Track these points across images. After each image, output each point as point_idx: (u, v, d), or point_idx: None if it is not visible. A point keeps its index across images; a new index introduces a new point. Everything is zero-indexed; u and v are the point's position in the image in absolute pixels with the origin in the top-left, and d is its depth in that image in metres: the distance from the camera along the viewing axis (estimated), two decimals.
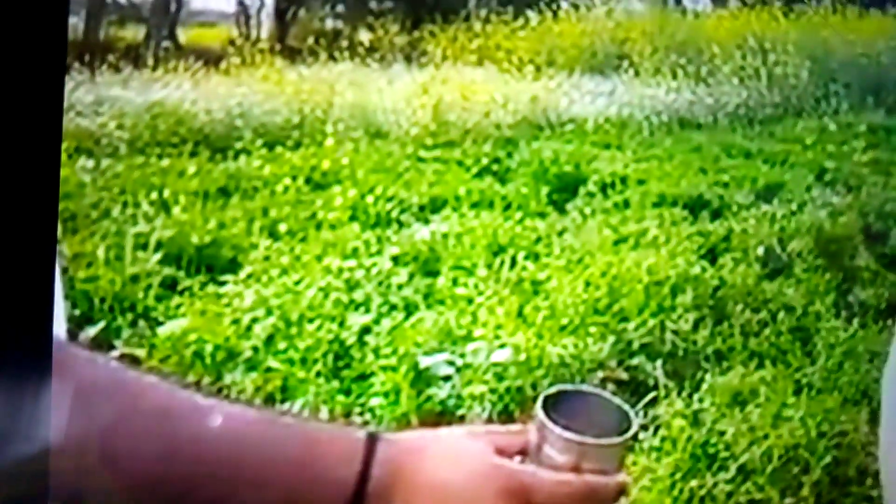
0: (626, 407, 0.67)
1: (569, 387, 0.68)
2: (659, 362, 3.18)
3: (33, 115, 0.38)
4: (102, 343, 3.22)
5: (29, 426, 0.42)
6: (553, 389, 0.67)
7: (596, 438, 0.64)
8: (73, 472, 0.54)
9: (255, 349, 3.15)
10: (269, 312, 3.38)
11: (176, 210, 4.68)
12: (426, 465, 0.63)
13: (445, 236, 4.45)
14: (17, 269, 0.39)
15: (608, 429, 0.65)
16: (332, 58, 9.50)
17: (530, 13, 11.37)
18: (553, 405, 0.65)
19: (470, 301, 3.63)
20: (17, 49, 0.37)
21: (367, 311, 3.51)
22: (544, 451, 0.64)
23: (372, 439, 0.64)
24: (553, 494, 0.63)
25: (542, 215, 5.12)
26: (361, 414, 2.88)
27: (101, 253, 3.89)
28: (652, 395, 2.96)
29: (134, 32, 12.73)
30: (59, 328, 0.62)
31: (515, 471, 0.64)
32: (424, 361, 3.03)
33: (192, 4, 14.11)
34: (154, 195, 4.85)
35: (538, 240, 4.55)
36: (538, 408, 0.65)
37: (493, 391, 2.90)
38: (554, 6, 11.58)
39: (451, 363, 3.04)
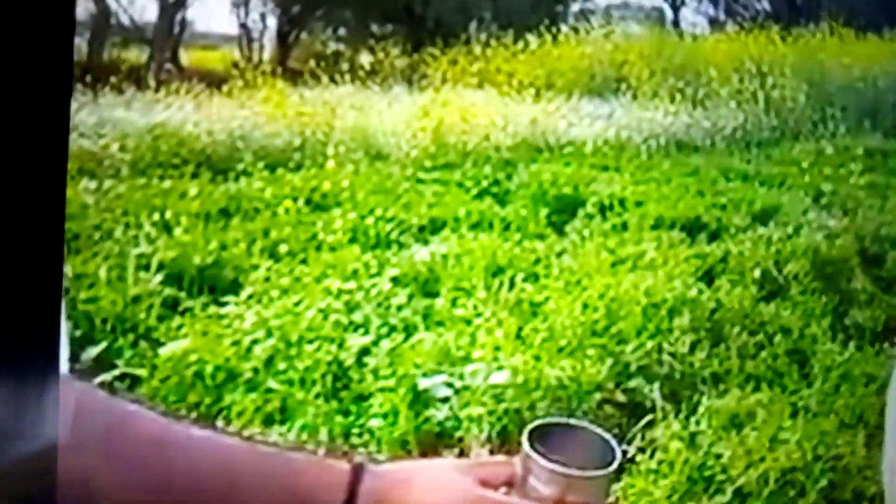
0: (611, 439, 0.68)
1: (555, 419, 0.69)
2: (656, 384, 3.19)
3: (39, 137, 0.39)
4: (104, 363, 3.23)
5: (36, 429, 0.43)
6: (539, 422, 0.68)
7: (581, 471, 0.65)
8: (68, 499, 0.56)
9: (255, 370, 3.16)
10: (269, 334, 3.39)
11: (177, 231, 4.70)
12: (411, 496, 0.64)
13: (445, 258, 4.48)
14: (25, 287, 0.40)
15: (593, 461, 0.66)
16: (333, 80, 9.56)
17: (530, 37, 11.48)
18: (539, 437, 0.66)
19: (468, 322, 3.65)
20: (23, 71, 0.38)
21: (367, 332, 3.53)
22: (529, 482, 0.65)
23: (357, 470, 0.65)
24: None
25: (541, 237, 5.15)
26: (360, 435, 2.90)
27: (102, 274, 3.91)
28: (649, 417, 2.97)
29: (137, 54, 12.83)
30: (62, 352, 0.63)
31: (500, 503, 0.65)
32: (423, 383, 3.05)
33: (195, 27, 14.22)
34: (156, 216, 4.88)
35: (537, 261, 4.57)
36: (524, 440, 0.66)
37: (491, 413, 2.91)
38: (553, 30, 11.69)
39: (449, 385, 3.05)
